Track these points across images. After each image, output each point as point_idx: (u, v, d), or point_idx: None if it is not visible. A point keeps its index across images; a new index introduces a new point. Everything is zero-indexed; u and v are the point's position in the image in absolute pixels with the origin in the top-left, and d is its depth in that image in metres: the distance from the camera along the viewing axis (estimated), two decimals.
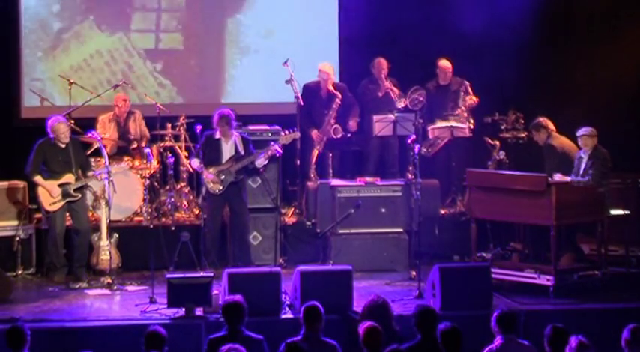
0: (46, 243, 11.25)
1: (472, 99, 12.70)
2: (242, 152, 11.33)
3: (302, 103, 12.39)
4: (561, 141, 11.32)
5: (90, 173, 11.08)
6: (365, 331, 7.50)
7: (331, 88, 12.55)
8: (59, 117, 11.19)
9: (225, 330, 7.85)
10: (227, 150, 11.34)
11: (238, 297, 8.06)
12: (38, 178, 10.97)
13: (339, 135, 12.57)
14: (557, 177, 10.73)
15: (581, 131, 10.90)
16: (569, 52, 13.29)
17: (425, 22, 13.23)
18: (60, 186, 10.95)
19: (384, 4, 13.54)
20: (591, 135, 10.84)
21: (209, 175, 11.22)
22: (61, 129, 10.95)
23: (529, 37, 13.30)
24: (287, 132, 11.66)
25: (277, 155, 11.74)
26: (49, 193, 10.94)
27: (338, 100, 12.52)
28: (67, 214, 11.10)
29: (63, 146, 10.99)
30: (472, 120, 12.71)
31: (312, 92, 12.61)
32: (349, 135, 12.49)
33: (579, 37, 13.34)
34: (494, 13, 13.04)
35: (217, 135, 11.33)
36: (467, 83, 12.79)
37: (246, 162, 11.30)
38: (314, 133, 12.56)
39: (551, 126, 11.38)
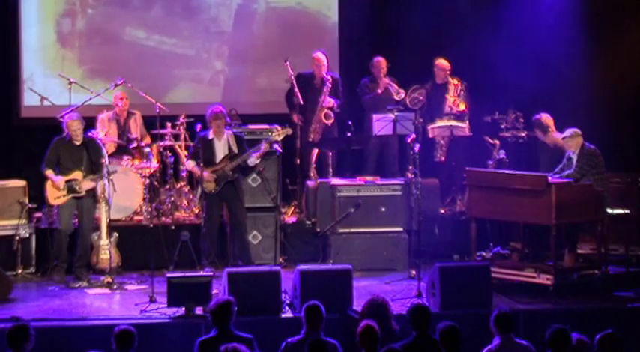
0: (49, 240, 11.25)
1: (458, 105, 12.71)
2: (235, 150, 11.34)
3: (302, 102, 12.40)
4: (555, 138, 11.31)
5: (97, 175, 11.01)
6: (361, 330, 7.50)
7: (324, 74, 12.57)
8: (74, 114, 11.20)
9: (215, 331, 7.83)
10: (220, 150, 11.35)
11: (228, 297, 8.05)
12: (49, 172, 10.99)
13: (330, 121, 12.58)
14: None
15: (564, 134, 10.89)
16: (569, 51, 13.28)
17: (425, 21, 13.24)
18: (67, 182, 10.96)
19: (385, 2, 13.53)
20: (573, 136, 10.79)
21: (204, 175, 11.22)
22: (73, 126, 10.96)
23: (530, 37, 13.30)
24: (279, 127, 11.67)
25: (277, 153, 11.76)
26: (56, 187, 10.95)
27: (329, 84, 12.53)
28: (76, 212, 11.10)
29: (78, 144, 11.01)
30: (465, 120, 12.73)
31: (304, 81, 12.63)
32: (349, 134, 12.48)
33: (580, 37, 13.32)
34: (494, 12, 13.04)
35: (210, 135, 11.34)
36: (461, 84, 12.78)
37: (240, 161, 11.31)
38: (295, 117, 12.53)
39: (549, 123, 11.36)
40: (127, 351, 7.51)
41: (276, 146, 11.61)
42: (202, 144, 11.33)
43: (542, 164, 11.28)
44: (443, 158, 12.81)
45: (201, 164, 11.20)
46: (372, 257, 11.59)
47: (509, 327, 7.71)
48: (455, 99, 12.78)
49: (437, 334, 7.55)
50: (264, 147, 11.39)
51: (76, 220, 11.19)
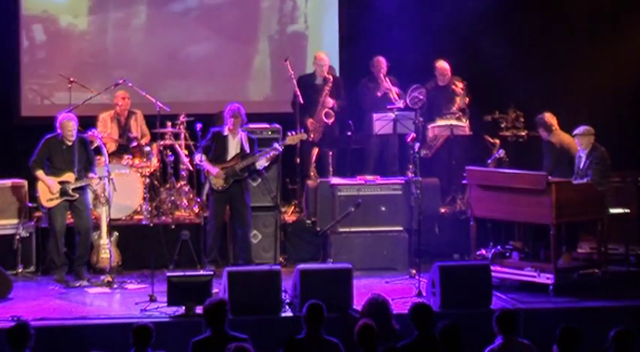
0: (45, 241, 11.25)
1: (461, 101, 12.70)
2: (248, 150, 11.32)
3: (302, 102, 12.39)
4: (561, 137, 11.33)
5: (90, 174, 11.03)
6: (358, 329, 7.49)
7: (326, 73, 12.57)
8: (69, 114, 11.18)
9: (209, 332, 7.81)
10: (233, 148, 11.32)
11: (220, 297, 8.04)
12: (40, 173, 10.96)
13: (330, 120, 12.57)
14: None
15: (576, 130, 10.93)
16: (569, 50, 13.29)
17: (425, 20, 13.24)
18: (60, 183, 10.95)
19: (386, 1, 13.52)
20: (585, 134, 10.83)
21: (213, 171, 11.19)
22: (68, 127, 10.93)
23: (530, 36, 13.29)
24: (294, 132, 11.64)
25: (277, 153, 11.74)
26: (49, 189, 10.93)
27: (330, 84, 12.52)
28: (69, 212, 11.09)
29: (69, 144, 10.98)
30: (464, 120, 12.71)
31: (306, 83, 12.64)
32: (349, 133, 12.49)
33: (580, 36, 13.33)
34: (494, 12, 13.05)
35: (225, 132, 11.31)
36: (462, 84, 12.78)
37: (251, 161, 11.28)
38: (309, 122, 12.56)
39: (553, 122, 11.38)
40: (145, 348, 7.50)
41: (276, 145, 11.58)
42: (217, 139, 11.29)
43: (547, 164, 11.25)
44: (430, 155, 12.76)
45: (205, 159, 11.17)
46: (372, 256, 11.59)
47: (511, 327, 7.70)
48: (459, 114, 12.77)
49: (435, 332, 7.55)
50: (273, 152, 11.37)
51: (71, 220, 11.19)
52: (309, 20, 13.78)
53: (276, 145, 11.40)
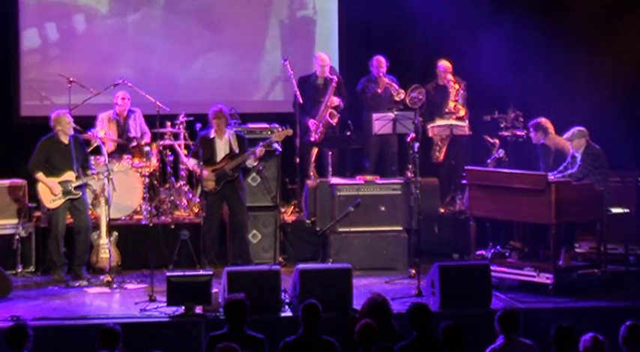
0: (46, 241, 11.24)
1: (459, 111, 12.71)
2: (237, 150, 11.34)
3: (301, 101, 12.38)
4: (556, 140, 11.37)
5: (89, 171, 11.08)
6: (359, 329, 7.50)
7: (327, 74, 12.55)
8: (62, 109, 11.19)
9: (227, 328, 7.84)
10: (221, 149, 11.35)
11: (241, 296, 8.05)
12: (40, 175, 10.97)
13: (335, 120, 12.56)
14: None
15: (567, 134, 10.93)
16: (569, 50, 13.29)
17: (425, 19, 13.25)
18: (61, 183, 10.95)
19: (386, 1, 13.53)
20: (575, 136, 10.83)
21: (204, 174, 11.22)
22: (65, 120, 10.95)
23: (529, 35, 13.30)
24: (280, 129, 11.66)
25: (277, 153, 11.76)
26: (50, 190, 10.93)
27: (334, 84, 12.51)
28: (68, 212, 11.09)
29: (65, 142, 10.99)
30: (463, 111, 12.74)
31: (306, 83, 12.61)
32: (349, 133, 12.47)
33: (580, 36, 13.33)
34: (494, 12, 13.05)
35: (212, 134, 11.34)
36: (462, 85, 12.80)
37: (241, 161, 11.31)
38: (310, 122, 12.53)
39: (550, 127, 11.42)
40: (113, 351, 7.48)
41: (275, 145, 11.61)
42: (203, 142, 11.33)
43: (543, 167, 11.26)
44: (441, 158, 12.80)
45: (201, 163, 11.21)
46: (372, 256, 11.59)
47: (514, 326, 7.69)
48: (455, 104, 12.76)
49: (434, 332, 7.54)
50: (259, 150, 11.39)
51: (70, 220, 11.18)
52: (318, 5, 13.77)
53: (261, 145, 11.39)
